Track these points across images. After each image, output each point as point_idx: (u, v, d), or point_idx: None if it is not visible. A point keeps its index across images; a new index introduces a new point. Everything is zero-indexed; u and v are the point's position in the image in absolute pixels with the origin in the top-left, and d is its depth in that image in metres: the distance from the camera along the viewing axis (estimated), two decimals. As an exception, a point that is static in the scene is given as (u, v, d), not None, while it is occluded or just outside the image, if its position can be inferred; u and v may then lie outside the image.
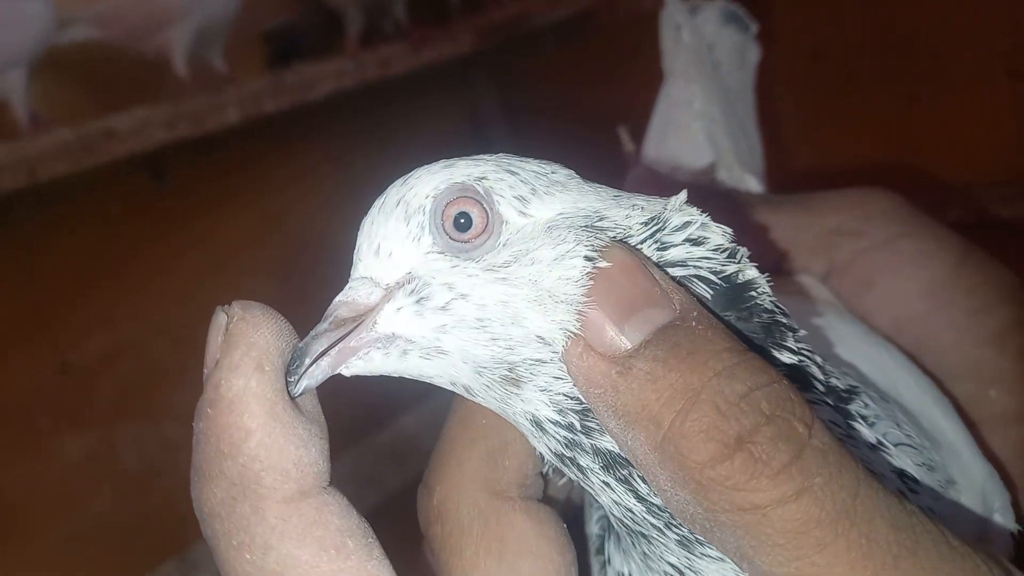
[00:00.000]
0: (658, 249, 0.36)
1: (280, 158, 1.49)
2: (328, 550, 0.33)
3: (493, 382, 0.36)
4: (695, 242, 0.37)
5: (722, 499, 0.31)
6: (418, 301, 0.36)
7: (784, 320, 0.37)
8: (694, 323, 0.34)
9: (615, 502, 0.36)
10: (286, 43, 1.57)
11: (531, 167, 0.38)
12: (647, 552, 0.38)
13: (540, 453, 0.38)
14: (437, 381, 0.37)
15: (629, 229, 0.37)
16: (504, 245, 0.36)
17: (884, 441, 0.39)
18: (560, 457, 0.37)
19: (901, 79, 1.36)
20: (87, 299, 1.30)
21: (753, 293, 0.37)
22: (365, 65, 1.40)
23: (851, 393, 0.39)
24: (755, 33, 0.81)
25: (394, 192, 0.37)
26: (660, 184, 0.69)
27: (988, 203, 1.26)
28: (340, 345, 0.35)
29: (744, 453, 0.31)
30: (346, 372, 0.36)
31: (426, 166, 0.38)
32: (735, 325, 0.36)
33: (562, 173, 0.38)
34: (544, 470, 0.41)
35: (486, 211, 0.36)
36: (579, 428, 0.36)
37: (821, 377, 0.38)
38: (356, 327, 0.36)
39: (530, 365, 0.35)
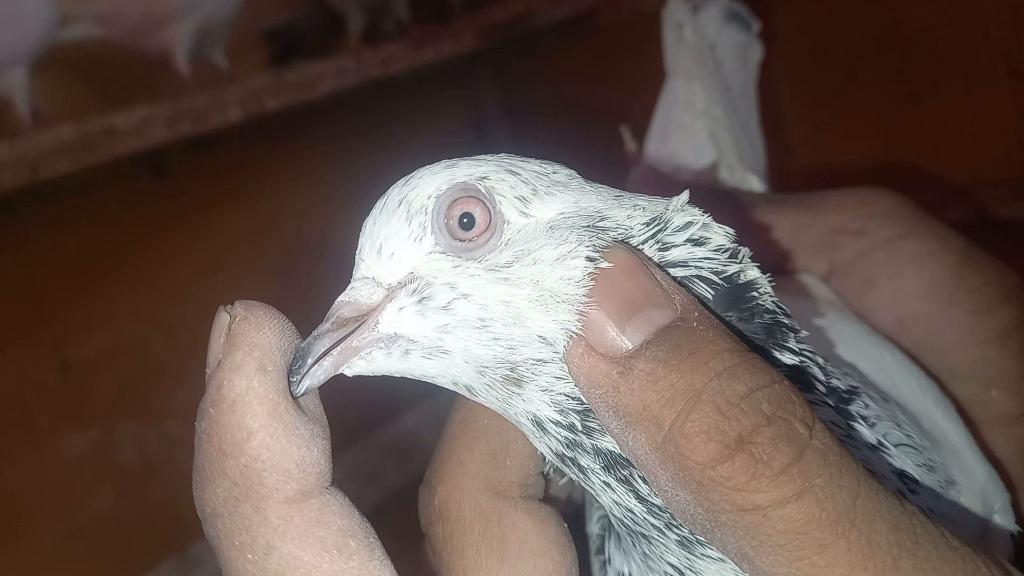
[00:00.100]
0: (659, 249, 0.36)
1: (281, 156, 1.49)
2: (330, 550, 0.33)
3: (495, 382, 0.36)
4: (697, 242, 0.37)
5: (723, 500, 0.31)
6: (420, 301, 0.36)
7: (786, 321, 0.37)
8: (695, 324, 0.34)
9: (616, 502, 0.36)
10: (287, 42, 1.57)
11: (532, 167, 0.38)
12: (647, 552, 0.38)
13: (541, 453, 0.38)
14: (439, 381, 0.37)
15: (630, 229, 0.37)
16: (506, 245, 0.36)
17: (884, 442, 0.39)
18: (561, 457, 0.37)
19: (903, 79, 1.36)
20: (88, 296, 1.30)
21: (755, 293, 0.37)
22: (366, 64, 1.40)
23: (852, 394, 0.39)
24: (757, 32, 0.80)
25: (396, 192, 0.37)
26: (662, 183, 0.69)
27: (990, 203, 1.26)
28: (342, 345, 0.35)
29: (745, 454, 0.31)
30: (348, 372, 0.36)
31: (428, 166, 0.38)
32: (736, 326, 0.36)
33: (563, 173, 0.38)
34: (545, 470, 0.41)
35: (488, 211, 0.36)
36: (580, 428, 0.36)
37: (822, 378, 0.38)
38: (358, 327, 0.36)
39: (532, 365, 0.35)
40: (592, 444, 0.36)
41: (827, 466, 0.31)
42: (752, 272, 0.37)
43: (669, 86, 0.78)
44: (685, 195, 0.38)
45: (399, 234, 0.37)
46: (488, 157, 0.38)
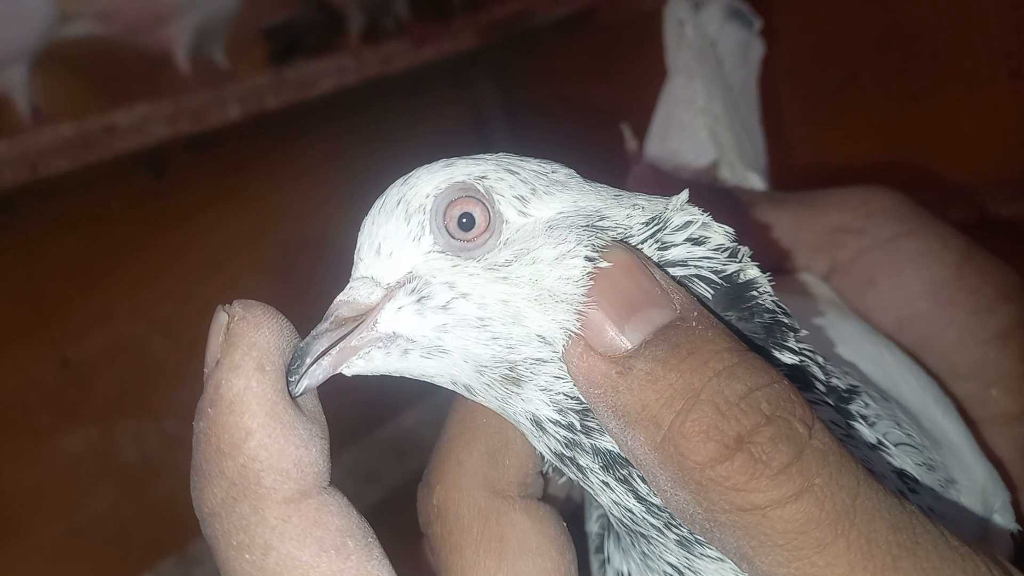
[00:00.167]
0: (659, 249, 0.36)
1: (281, 155, 1.49)
2: (328, 550, 0.33)
3: (494, 381, 0.36)
4: (696, 242, 0.37)
5: (722, 499, 0.31)
6: (419, 300, 0.36)
7: (785, 320, 0.37)
8: (694, 323, 0.34)
9: (614, 502, 0.36)
10: (287, 40, 1.57)
11: (531, 166, 0.38)
12: (646, 552, 0.38)
13: (540, 452, 0.38)
14: (438, 380, 0.37)
15: (630, 229, 0.37)
16: (505, 244, 0.36)
17: (884, 441, 0.39)
18: (560, 457, 0.37)
19: (903, 78, 1.36)
20: (88, 295, 1.30)
21: (754, 293, 0.37)
22: (366, 62, 1.40)
23: (852, 393, 0.39)
24: (759, 30, 0.80)
25: (395, 192, 0.37)
26: (662, 182, 0.69)
27: (990, 202, 1.26)
28: (341, 345, 0.35)
29: (744, 453, 0.31)
30: (347, 372, 0.36)
31: (426, 165, 0.38)
32: (736, 325, 0.36)
33: (562, 172, 0.38)
34: (544, 469, 0.41)
35: (487, 211, 0.36)
36: (579, 428, 0.36)
37: (822, 377, 0.38)
38: (357, 327, 0.36)
39: (530, 364, 0.35)
40: (591, 444, 0.36)
41: (826, 466, 0.31)
42: (752, 271, 0.37)
43: (670, 84, 0.78)
44: (684, 194, 0.38)
45: (397, 233, 0.36)
46: (487, 156, 0.38)
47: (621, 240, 0.36)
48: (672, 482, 0.32)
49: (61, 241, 1.27)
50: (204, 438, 0.33)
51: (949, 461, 0.43)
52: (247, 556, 0.33)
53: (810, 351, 0.38)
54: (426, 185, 0.37)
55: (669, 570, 0.37)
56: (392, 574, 0.34)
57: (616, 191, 0.38)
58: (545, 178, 0.37)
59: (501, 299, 0.35)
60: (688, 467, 0.31)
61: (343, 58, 1.40)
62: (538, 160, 0.38)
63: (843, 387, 0.39)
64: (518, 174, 0.37)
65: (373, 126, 1.53)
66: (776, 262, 0.53)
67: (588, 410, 0.35)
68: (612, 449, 0.35)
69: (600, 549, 0.42)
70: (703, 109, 0.74)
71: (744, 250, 0.37)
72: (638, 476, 0.35)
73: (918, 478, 0.40)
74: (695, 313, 0.34)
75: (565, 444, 0.36)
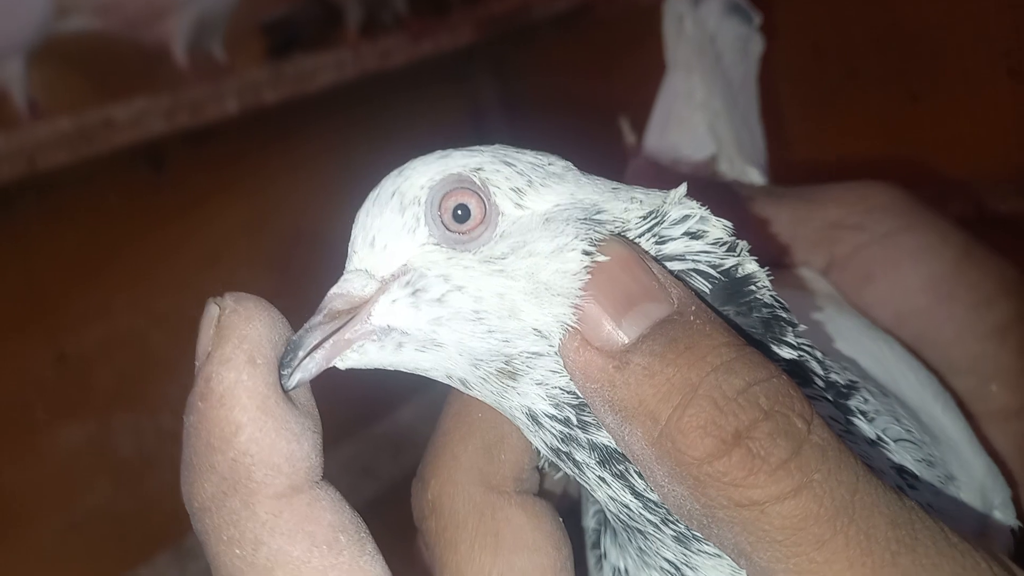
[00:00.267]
0: (656, 243, 0.36)
1: (279, 149, 1.49)
2: (320, 546, 0.33)
3: (489, 375, 0.36)
4: (694, 236, 0.36)
5: (720, 495, 0.30)
6: (413, 293, 0.35)
7: (784, 315, 0.37)
8: (692, 317, 0.33)
9: (611, 497, 0.36)
10: (285, 35, 1.57)
11: (527, 158, 0.37)
12: (643, 547, 0.37)
13: (536, 447, 0.38)
14: (433, 374, 0.37)
15: (627, 223, 0.36)
16: (501, 237, 0.36)
17: (884, 437, 0.39)
18: (556, 452, 0.36)
19: (903, 77, 1.36)
20: (85, 289, 1.30)
21: (752, 287, 0.36)
22: (364, 56, 1.39)
23: (851, 388, 0.39)
24: (758, 25, 0.80)
25: (389, 183, 0.37)
26: (661, 176, 0.68)
27: (989, 199, 1.26)
28: (335, 338, 0.35)
29: (742, 449, 0.30)
30: (341, 365, 0.36)
31: (421, 157, 0.37)
32: (734, 320, 0.36)
33: (559, 165, 0.38)
34: (540, 464, 0.41)
35: (483, 203, 0.36)
36: (575, 423, 0.35)
37: (821, 372, 0.37)
38: (351, 319, 0.35)
39: (527, 358, 0.35)
40: (587, 439, 0.35)
41: (825, 461, 0.30)
42: (750, 266, 0.37)
43: (669, 79, 0.78)
44: (683, 188, 0.37)
45: (392, 225, 0.36)
46: (483, 148, 0.37)
47: (618, 234, 0.36)
48: (669, 478, 0.32)
49: (59, 235, 1.27)
50: (194, 432, 0.33)
51: (948, 457, 0.42)
52: (237, 551, 0.32)
53: (809, 346, 0.37)
54: (421, 176, 0.36)
55: (666, 566, 0.37)
56: (385, 569, 0.34)
57: (613, 184, 0.38)
58: (542, 170, 0.37)
59: (497, 292, 0.35)
60: (685, 462, 0.31)
61: (341, 52, 1.39)
62: (535, 152, 0.38)
63: (842, 383, 0.39)
64: (514, 166, 0.37)
65: (371, 120, 1.52)
66: (775, 257, 0.53)
67: (585, 405, 0.35)
68: (609, 444, 0.35)
69: (596, 545, 0.42)
70: (702, 104, 0.74)
71: (742, 244, 0.37)
72: (635, 472, 0.35)
73: (917, 474, 0.39)
74: (693, 307, 0.34)
75: (561, 439, 0.36)
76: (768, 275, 0.37)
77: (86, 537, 1.30)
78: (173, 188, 1.37)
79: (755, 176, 0.73)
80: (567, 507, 0.44)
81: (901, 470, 0.39)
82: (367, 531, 0.34)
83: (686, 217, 0.37)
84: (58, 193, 1.22)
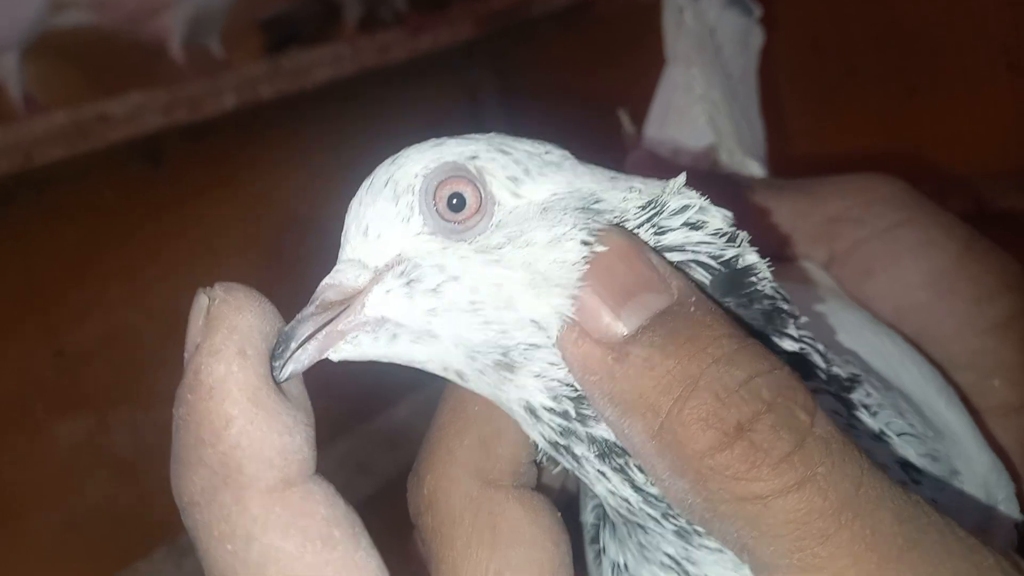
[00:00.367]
0: (655, 233, 0.36)
1: (276, 144, 1.49)
2: (314, 541, 0.32)
3: (486, 367, 0.35)
4: (694, 226, 0.36)
5: (722, 489, 0.30)
6: (408, 283, 0.35)
7: (785, 306, 0.36)
8: (692, 309, 0.33)
9: (611, 492, 0.35)
10: (284, 31, 1.56)
11: (524, 147, 0.37)
12: (643, 542, 0.37)
13: (534, 441, 0.37)
14: (428, 367, 0.36)
15: (626, 212, 0.36)
16: (497, 226, 0.35)
17: (887, 431, 0.38)
18: (554, 445, 0.36)
19: (902, 73, 1.36)
20: (82, 284, 1.30)
21: (753, 279, 0.36)
22: (362, 51, 1.39)
23: (853, 382, 0.39)
24: (758, 17, 0.80)
25: (382, 172, 0.36)
26: (660, 167, 0.68)
27: (988, 194, 1.26)
28: (327, 329, 0.34)
29: (744, 441, 0.30)
30: (334, 357, 0.35)
31: (415, 145, 0.37)
32: (735, 311, 0.35)
33: (556, 153, 0.37)
34: (538, 458, 0.40)
35: (479, 191, 0.35)
36: (574, 415, 0.35)
37: (823, 365, 0.37)
38: (344, 310, 0.35)
39: (524, 350, 0.34)
40: (587, 432, 0.35)
41: (829, 454, 0.30)
42: (751, 257, 0.36)
43: (668, 71, 0.78)
44: (682, 178, 0.37)
45: (385, 214, 0.35)
46: (478, 136, 0.37)
47: (617, 224, 0.35)
48: (670, 471, 0.31)
49: (55, 230, 1.27)
50: (183, 425, 0.32)
51: (952, 452, 0.42)
52: (229, 547, 0.32)
53: (810, 338, 0.37)
54: (415, 165, 0.36)
55: (667, 561, 0.36)
56: (381, 564, 0.33)
57: (612, 173, 0.37)
58: (539, 159, 0.36)
59: (493, 283, 0.34)
60: (687, 456, 0.30)
61: (339, 47, 1.39)
62: (531, 141, 0.37)
63: (844, 376, 0.38)
64: (511, 155, 0.36)
65: (370, 116, 1.52)
66: (775, 249, 0.53)
67: (583, 398, 0.34)
68: (608, 437, 0.34)
69: (595, 540, 0.42)
70: (702, 96, 0.74)
71: (743, 235, 0.36)
72: (635, 465, 0.34)
73: (921, 469, 0.39)
74: (693, 299, 0.33)
75: (560, 432, 0.35)
76: (769, 266, 0.36)
77: (83, 533, 1.30)
78: (170, 183, 1.37)
79: (755, 169, 0.73)
80: (565, 502, 0.43)
81: (904, 465, 0.38)
82: (362, 526, 0.33)
83: (685, 207, 0.36)
84: (54, 188, 1.22)
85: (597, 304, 0.33)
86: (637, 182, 0.37)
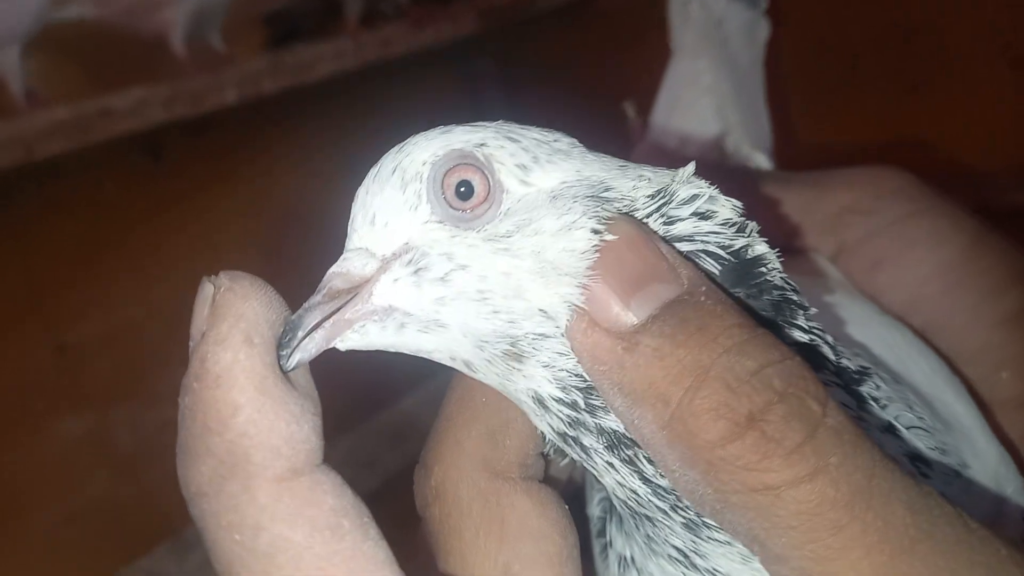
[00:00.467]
0: (664, 223, 0.35)
1: (278, 139, 1.48)
2: (322, 531, 0.32)
3: (495, 357, 0.35)
4: (703, 216, 0.36)
5: (733, 479, 0.30)
6: (416, 272, 0.34)
7: (795, 297, 0.36)
8: (703, 298, 0.33)
9: (619, 483, 0.35)
10: (285, 26, 1.56)
11: (532, 135, 0.36)
12: (651, 535, 0.37)
13: (542, 432, 0.37)
14: (436, 356, 0.36)
15: (635, 201, 0.35)
16: (505, 215, 0.35)
17: (896, 423, 0.38)
18: (563, 436, 0.35)
19: (905, 70, 1.36)
20: (83, 280, 1.29)
21: (763, 269, 0.36)
22: (365, 46, 1.39)
23: (863, 374, 0.38)
24: (764, 9, 0.80)
25: (389, 160, 0.36)
26: (667, 158, 0.68)
27: (991, 192, 1.26)
28: (335, 317, 0.34)
29: (756, 432, 0.29)
30: (341, 346, 0.35)
31: (423, 133, 0.36)
32: (745, 302, 0.35)
33: (565, 141, 0.37)
34: (545, 450, 0.40)
35: (487, 179, 0.35)
36: (583, 406, 0.34)
37: (832, 357, 0.37)
38: (351, 299, 0.34)
39: (533, 339, 0.34)
40: (595, 423, 0.34)
41: (841, 445, 0.30)
42: (760, 247, 0.36)
43: (675, 64, 0.78)
44: (691, 167, 0.36)
45: (393, 203, 0.35)
46: (486, 124, 0.36)
47: (626, 213, 0.35)
48: (680, 462, 0.31)
49: (57, 225, 1.26)
50: (190, 414, 0.32)
51: (961, 445, 0.42)
52: (237, 537, 0.31)
53: (820, 330, 0.36)
54: (423, 152, 0.35)
55: (674, 553, 0.36)
56: (389, 555, 0.33)
57: (620, 162, 0.37)
58: (547, 146, 0.36)
59: (502, 271, 0.34)
60: (697, 446, 0.30)
61: (341, 42, 1.39)
62: (539, 129, 0.37)
63: (854, 368, 0.38)
64: (519, 142, 0.36)
65: (371, 110, 1.52)
66: (784, 241, 0.52)
67: (592, 388, 0.34)
68: (617, 428, 0.34)
69: (602, 533, 0.41)
70: (710, 88, 0.74)
71: (752, 225, 0.36)
72: (644, 456, 0.34)
73: (931, 461, 0.39)
74: (703, 288, 0.33)
75: (568, 423, 0.35)
76: (778, 257, 0.36)
77: (85, 529, 1.29)
78: (171, 177, 1.37)
79: (762, 161, 0.73)
80: (572, 494, 0.43)
81: (914, 457, 0.38)
82: (370, 516, 0.33)
83: (695, 197, 0.36)
84: (56, 183, 1.21)
85: (607, 293, 0.33)
86: (646, 171, 0.36)
